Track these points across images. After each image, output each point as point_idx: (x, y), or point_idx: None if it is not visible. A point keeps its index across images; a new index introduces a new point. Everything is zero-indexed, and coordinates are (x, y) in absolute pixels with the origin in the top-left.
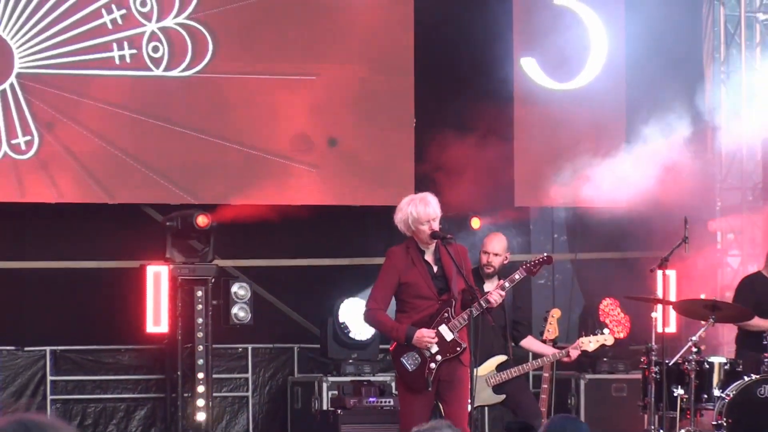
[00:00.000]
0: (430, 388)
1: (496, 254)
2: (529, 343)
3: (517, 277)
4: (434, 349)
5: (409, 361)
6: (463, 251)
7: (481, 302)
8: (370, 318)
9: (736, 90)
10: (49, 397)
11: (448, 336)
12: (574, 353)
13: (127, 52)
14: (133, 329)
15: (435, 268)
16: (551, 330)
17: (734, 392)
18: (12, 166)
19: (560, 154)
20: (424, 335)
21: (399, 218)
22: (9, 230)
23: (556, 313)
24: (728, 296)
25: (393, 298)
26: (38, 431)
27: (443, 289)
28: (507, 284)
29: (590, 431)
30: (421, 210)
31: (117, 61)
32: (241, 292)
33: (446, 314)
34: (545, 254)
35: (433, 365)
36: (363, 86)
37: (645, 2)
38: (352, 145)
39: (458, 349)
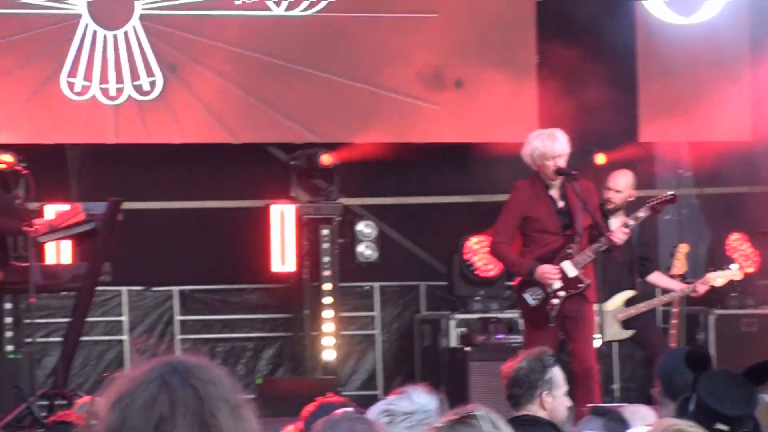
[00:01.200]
0: (552, 324)
1: (617, 191)
2: (657, 278)
3: (641, 215)
4: (557, 285)
5: (531, 297)
6: (590, 187)
7: (604, 241)
8: (493, 251)
9: None
10: (178, 337)
11: (571, 272)
12: (702, 288)
13: None
14: (260, 268)
15: (560, 204)
16: (679, 265)
17: None
18: (136, 107)
19: (684, 89)
20: (546, 271)
21: (526, 151)
22: (135, 172)
23: (683, 248)
24: None
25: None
26: (185, 372)
27: (567, 225)
28: (631, 222)
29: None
30: (548, 145)
31: (238, 2)
32: (367, 231)
33: (570, 250)
34: (670, 193)
35: (555, 301)
36: (485, 23)
37: None
38: (476, 83)
39: (581, 285)
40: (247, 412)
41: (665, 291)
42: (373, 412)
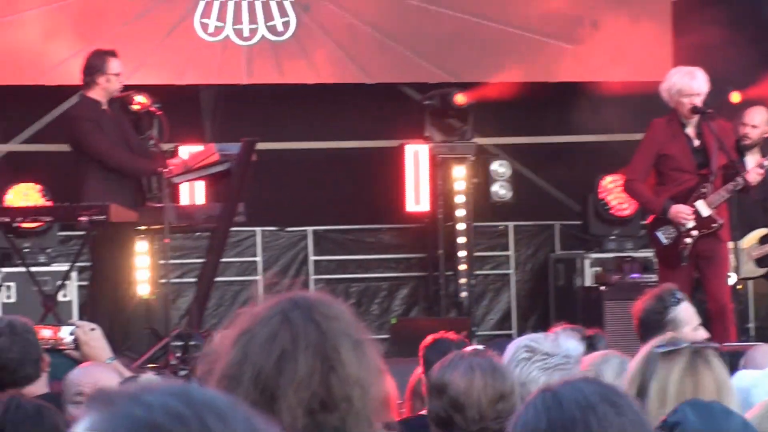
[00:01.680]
0: (684, 263)
1: (753, 126)
2: None
3: None
4: (690, 224)
5: (664, 235)
6: (726, 126)
7: (739, 180)
8: (627, 188)
9: None
10: (312, 277)
11: (705, 212)
12: None
13: None
14: (394, 208)
15: (696, 142)
16: None
17: None
18: (270, 48)
19: None
20: (680, 210)
21: (664, 87)
22: (269, 112)
23: None
24: None
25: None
26: (307, 308)
27: (702, 164)
28: (766, 163)
29: None
30: (685, 82)
31: None
32: (501, 170)
33: (704, 189)
34: None
35: (688, 240)
36: None
37: None
38: (611, 21)
39: (714, 225)
40: (369, 348)
41: None
42: (514, 345)
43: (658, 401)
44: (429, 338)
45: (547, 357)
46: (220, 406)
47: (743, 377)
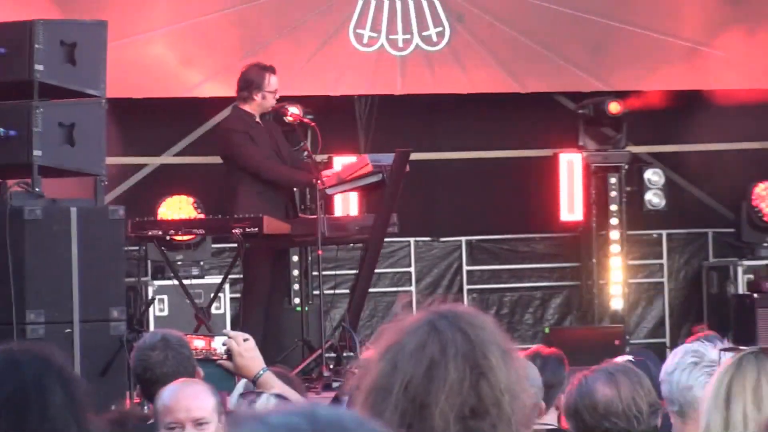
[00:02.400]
0: None
1: None
2: None
3: None
4: None
5: None
6: None
7: None
8: None
9: None
10: (465, 287)
11: None
12: None
13: None
14: (547, 217)
15: None
16: None
17: None
18: (424, 57)
19: None
20: None
21: None
22: (422, 121)
23: None
24: None
25: None
26: (453, 318)
27: None
28: None
29: None
30: None
31: None
32: (655, 178)
33: None
34: None
35: None
36: None
37: None
38: (763, 29)
39: None
40: (517, 357)
41: None
42: (683, 349)
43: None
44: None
45: (713, 366)
46: (347, 424)
47: None
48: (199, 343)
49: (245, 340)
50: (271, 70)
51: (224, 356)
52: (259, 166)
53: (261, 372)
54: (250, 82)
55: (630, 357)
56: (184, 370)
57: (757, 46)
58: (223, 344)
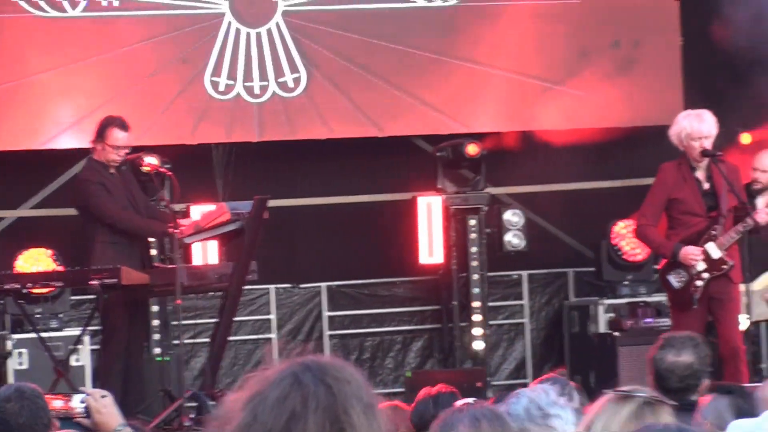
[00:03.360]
0: (695, 306)
1: (764, 170)
2: None
3: None
4: (701, 266)
5: (675, 279)
6: (736, 168)
7: (749, 222)
8: (639, 233)
9: None
10: (326, 333)
11: (715, 254)
12: None
13: None
14: (407, 261)
15: (705, 185)
16: None
17: None
18: (281, 104)
19: None
20: (690, 253)
21: (673, 131)
22: (281, 168)
23: None
24: None
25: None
26: (318, 370)
27: (712, 207)
28: None
29: None
30: (695, 125)
31: None
32: (515, 219)
33: (714, 231)
34: None
35: (699, 283)
36: (628, 5)
37: None
38: (620, 67)
39: (725, 266)
40: (380, 412)
41: None
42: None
43: None
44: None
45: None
46: None
47: (737, 426)
48: (57, 403)
49: (103, 396)
50: (117, 123)
51: (83, 414)
52: (114, 217)
53: (119, 428)
54: (97, 133)
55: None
56: (39, 421)
57: (612, 85)
58: (81, 401)
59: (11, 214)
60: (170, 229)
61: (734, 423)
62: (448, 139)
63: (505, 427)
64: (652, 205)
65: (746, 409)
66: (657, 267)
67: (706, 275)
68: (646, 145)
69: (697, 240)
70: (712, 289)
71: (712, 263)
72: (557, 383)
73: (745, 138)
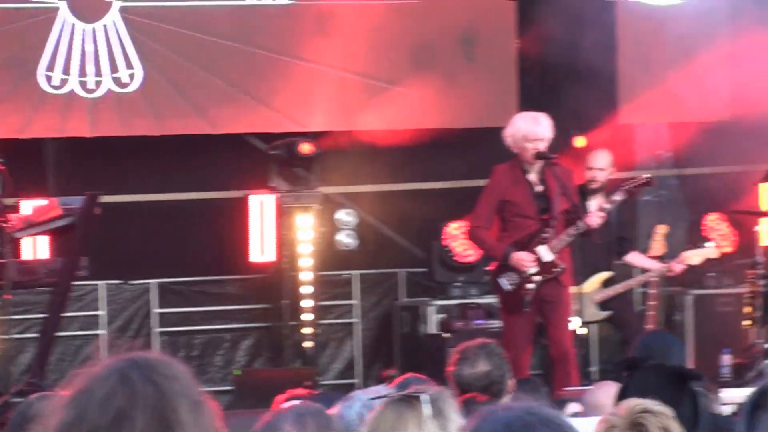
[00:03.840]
0: (527, 309)
1: (601, 169)
2: (634, 258)
3: (617, 199)
4: (532, 269)
5: (506, 281)
6: (569, 171)
7: (580, 225)
8: (471, 235)
9: None
10: (156, 330)
11: (547, 257)
12: (678, 267)
13: None
14: (239, 259)
15: (538, 188)
16: (657, 246)
17: None
18: (115, 100)
19: (663, 69)
20: (521, 257)
21: (508, 132)
22: (114, 164)
23: (662, 229)
24: None
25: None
26: (145, 368)
27: (545, 209)
28: (607, 206)
29: (681, 345)
30: (530, 128)
31: None
32: (347, 219)
33: (546, 234)
34: (646, 176)
35: (530, 286)
36: (465, 6)
37: None
38: (456, 68)
39: (556, 269)
40: (208, 409)
41: (643, 271)
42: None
43: None
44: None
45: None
46: None
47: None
48: None
49: None
50: None
51: None
52: None
53: None
54: None
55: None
56: None
57: (449, 86)
58: None
59: None
60: (0, 223)
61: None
62: (283, 137)
63: (330, 423)
64: (485, 208)
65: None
66: (488, 269)
67: (537, 278)
68: (479, 147)
69: (529, 242)
70: (543, 292)
71: (543, 266)
72: (414, 383)
73: (579, 141)
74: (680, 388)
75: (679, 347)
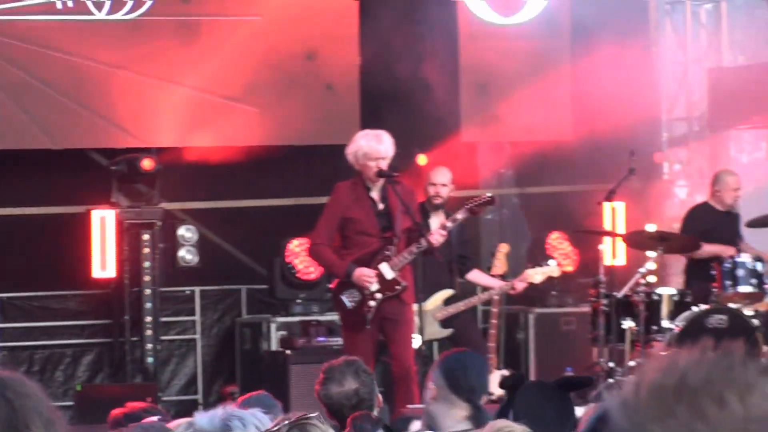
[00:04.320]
0: (368, 326)
1: (443, 185)
2: (476, 276)
3: (459, 217)
4: (374, 287)
5: (348, 299)
6: (411, 190)
7: (422, 243)
8: (312, 252)
9: (680, 20)
10: None
11: (389, 274)
12: (520, 286)
13: None
14: (80, 275)
15: (380, 206)
16: (499, 265)
17: (684, 323)
18: None
19: (506, 89)
20: (363, 273)
21: (350, 150)
22: None
23: (503, 247)
24: (676, 227)
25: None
26: (1, 386)
27: (387, 227)
28: (449, 224)
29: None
30: (372, 146)
31: (59, 6)
32: (188, 235)
33: (387, 252)
34: (488, 195)
35: (372, 303)
36: (307, 25)
37: None
38: (298, 86)
39: (398, 287)
40: (61, 426)
41: (485, 290)
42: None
43: None
44: (119, 410)
45: None
46: None
47: None
48: None
49: None
50: None
51: None
52: None
53: None
54: None
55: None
56: None
57: (289, 103)
58: None
59: None
60: None
61: None
62: (124, 153)
63: None
64: (326, 224)
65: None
66: (330, 286)
67: (379, 296)
68: (322, 164)
69: (371, 260)
70: (385, 309)
71: (385, 284)
72: (261, 401)
73: (422, 159)
74: (564, 401)
75: (480, 365)
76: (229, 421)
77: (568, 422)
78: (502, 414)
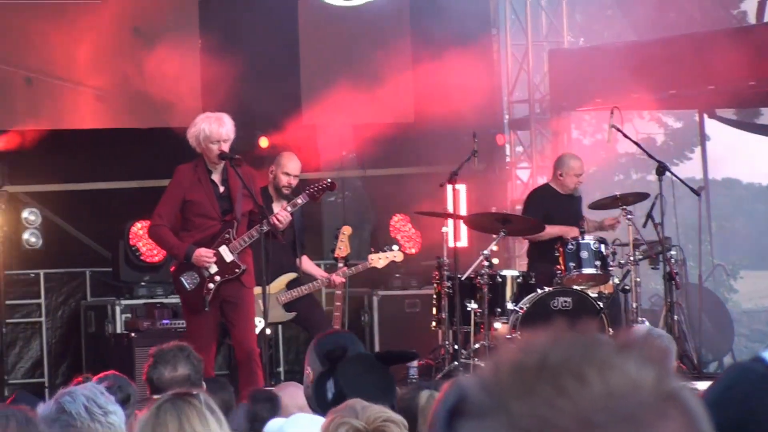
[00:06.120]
0: (207, 308)
1: (296, 176)
2: (304, 264)
3: (299, 201)
4: (213, 269)
5: (188, 281)
6: (252, 172)
7: (264, 225)
8: (152, 234)
9: (521, 2)
10: None
11: (228, 257)
12: (338, 279)
13: None
14: None
15: (221, 189)
16: (342, 247)
17: (528, 305)
18: None
19: (347, 71)
20: (203, 254)
21: (191, 133)
22: None
23: (346, 230)
24: (519, 209)
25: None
26: None
27: (227, 210)
28: (290, 208)
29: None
30: (214, 128)
31: None
32: (32, 218)
33: (227, 235)
34: (329, 180)
35: (211, 285)
36: (148, 5)
37: None
38: (143, 67)
39: (237, 270)
40: None
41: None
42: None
43: None
44: None
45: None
46: None
47: (271, 426)
48: None
49: None
50: None
51: None
52: None
53: None
54: None
55: None
56: None
57: (131, 83)
58: None
59: None
60: None
61: (270, 423)
62: None
63: (32, 429)
64: (168, 206)
65: (261, 412)
66: (171, 269)
67: (218, 278)
68: (165, 147)
69: (211, 243)
70: (225, 292)
71: (224, 266)
72: (110, 380)
73: (263, 142)
74: (385, 373)
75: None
76: (59, 399)
77: (389, 394)
78: (319, 383)
